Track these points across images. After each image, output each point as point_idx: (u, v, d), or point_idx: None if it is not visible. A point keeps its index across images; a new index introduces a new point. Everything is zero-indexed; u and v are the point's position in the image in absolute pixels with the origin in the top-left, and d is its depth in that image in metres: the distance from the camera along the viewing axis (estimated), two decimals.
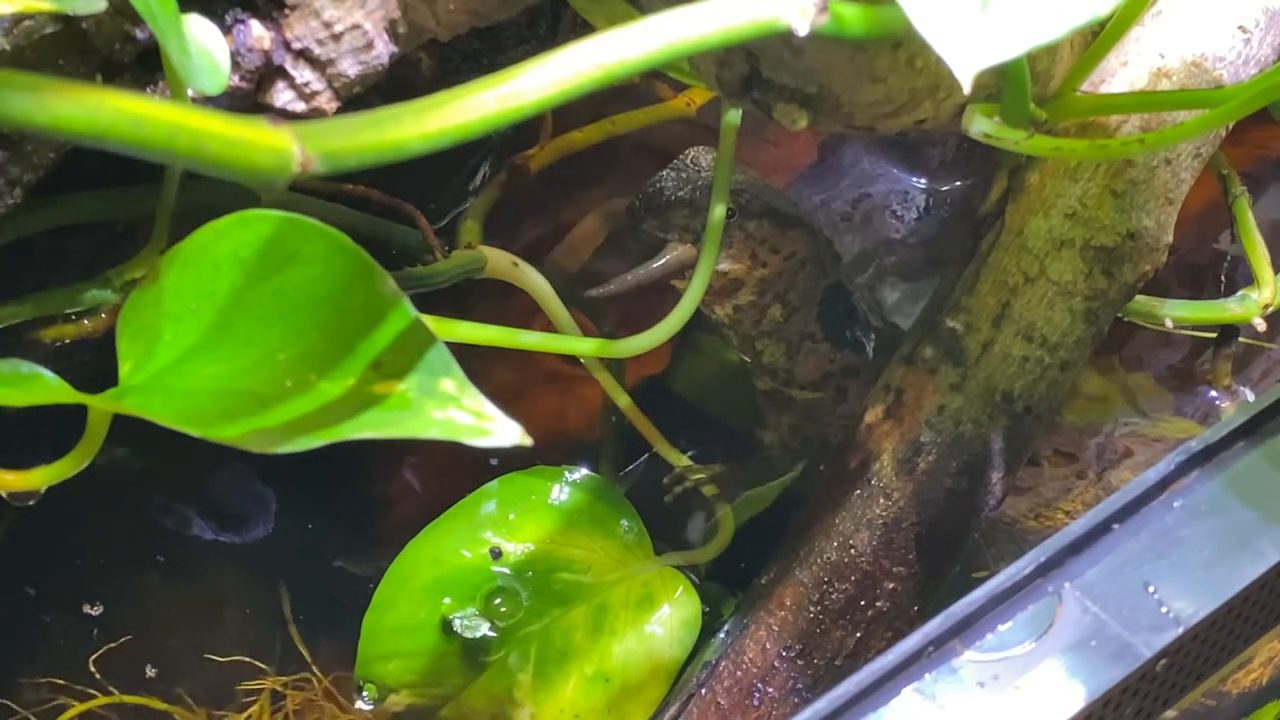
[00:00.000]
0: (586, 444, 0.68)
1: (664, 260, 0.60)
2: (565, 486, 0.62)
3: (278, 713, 0.58)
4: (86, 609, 0.60)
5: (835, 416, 0.65)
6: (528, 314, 0.65)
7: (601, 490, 0.62)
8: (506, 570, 0.60)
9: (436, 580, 0.59)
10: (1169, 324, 0.65)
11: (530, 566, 0.60)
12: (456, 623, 0.58)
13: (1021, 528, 0.65)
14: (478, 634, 0.58)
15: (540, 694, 0.58)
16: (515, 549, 0.60)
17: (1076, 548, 0.45)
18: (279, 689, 0.59)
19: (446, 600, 0.59)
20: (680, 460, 0.65)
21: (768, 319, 0.63)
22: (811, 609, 0.55)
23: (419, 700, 0.58)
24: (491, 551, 0.60)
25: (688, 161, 0.61)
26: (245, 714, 0.58)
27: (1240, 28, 0.55)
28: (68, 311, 0.51)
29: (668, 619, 0.59)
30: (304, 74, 0.47)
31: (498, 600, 0.59)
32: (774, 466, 0.66)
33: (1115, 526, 0.46)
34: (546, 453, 0.64)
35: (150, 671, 0.59)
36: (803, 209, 0.64)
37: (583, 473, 0.62)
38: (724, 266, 0.60)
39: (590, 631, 0.59)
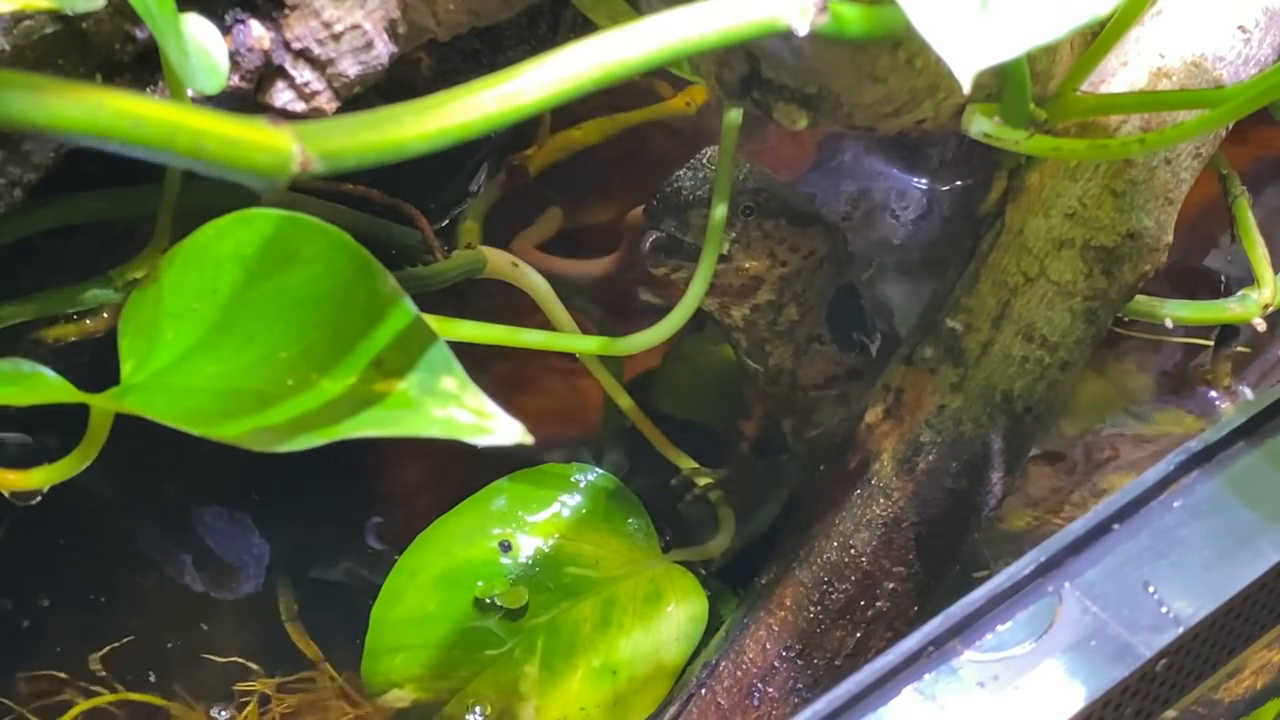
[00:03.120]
0: (586, 446, 0.68)
1: (539, 224, 0.61)
2: (574, 484, 0.62)
3: (266, 714, 0.58)
4: (86, 608, 0.60)
5: (838, 419, 0.65)
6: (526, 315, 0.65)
7: (610, 488, 0.63)
8: (515, 563, 0.60)
9: (446, 572, 0.59)
10: (1169, 324, 0.65)
11: (539, 560, 0.60)
12: (493, 599, 0.58)
13: (1016, 528, 0.65)
14: (521, 602, 0.58)
15: (547, 686, 0.58)
16: (525, 543, 0.60)
17: (1076, 548, 0.45)
18: (269, 692, 0.59)
19: (466, 593, 0.59)
20: (686, 463, 0.65)
21: (783, 319, 0.62)
22: (811, 609, 0.55)
23: (424, 695, 0.58)
24: (501, 545, 0.60)
25: (704, 160, 0.60)
26: (243, 714, 0.58)
27: (1240, 28, 0.55)
28: (69, 311, 0.52)
29: (674, 615, 0.60)
30: (304, 74, 0.47)
31: (505, 592, 0.59)
32: (779, 470, 0.66)
33: (1115, 526, 0.46)
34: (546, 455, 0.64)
35: (150, 671, 0.59)
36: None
37: (591, 471, 0.63)
38: (745, 264, 0.59)
39: (598, 625, 0.59)
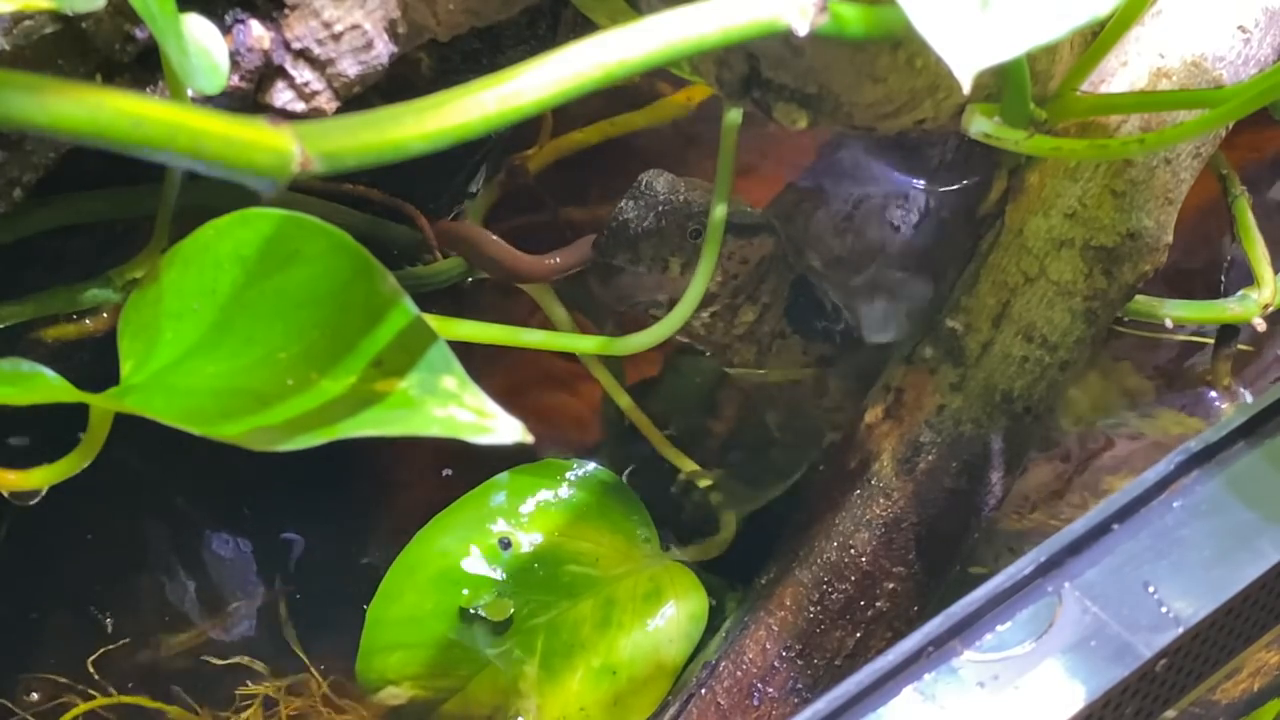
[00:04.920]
0: (585, 447, 0.68)
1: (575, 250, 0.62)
2: (574, 480, 0.62)
3: (272, 716, 0.58)
4: (86, 609, 0.60)
5: (819, 409, 0.66)
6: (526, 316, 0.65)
7: (610, 485, 0.62)
8: (514, 561, 0.60)
9: (445, 571, 0.59)
10: (1169, 324, 0.65)
11: (539, 559, 0.60)
12: (477, 609, 0.58)
13: (1009, 527, 0.65)
14: (505, 615, 0.58)
15: (546, 686, 0.58)
16: (524, 540, 0.60)
17: (1076, 548, 0.45)
18: (272, 694, 0.58)
19: (465, 592, 0.59)
20: (686, 464, 0.65)
21: (740, 322, 0.63)
22: (811, 609, 0.55)
23: (422, 693, 0.58)
24: (500, 542, 0.60)
25: (643, 188, 0.61)
26: (242, 716, 0.58)
27: (1240, 28, 0.55)
28: (69, 311, 0.52)
29: (674, 614, 0.60)
30: (304, 74, 0.47)
31: (506, 592, 0.59)
32: (775, 467, 0.66)
33: (1115, 526, 0.46)
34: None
35: (147, 673, 0.59)
36: (781, 210, 0.66)
37: (591, 467, 0.63)
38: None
39: (598, 625, 0.59)
